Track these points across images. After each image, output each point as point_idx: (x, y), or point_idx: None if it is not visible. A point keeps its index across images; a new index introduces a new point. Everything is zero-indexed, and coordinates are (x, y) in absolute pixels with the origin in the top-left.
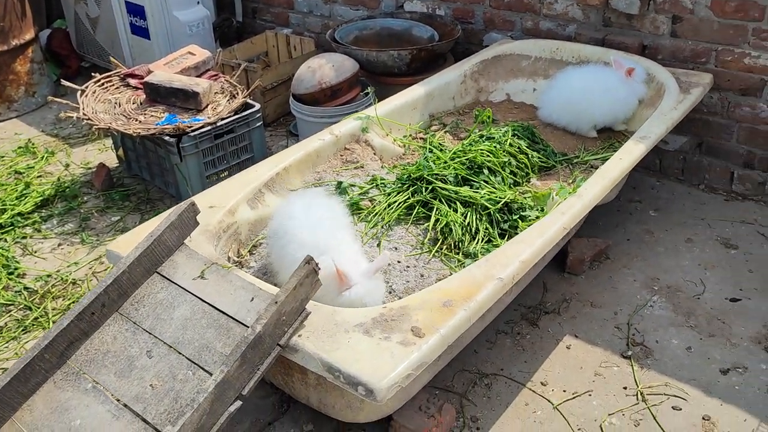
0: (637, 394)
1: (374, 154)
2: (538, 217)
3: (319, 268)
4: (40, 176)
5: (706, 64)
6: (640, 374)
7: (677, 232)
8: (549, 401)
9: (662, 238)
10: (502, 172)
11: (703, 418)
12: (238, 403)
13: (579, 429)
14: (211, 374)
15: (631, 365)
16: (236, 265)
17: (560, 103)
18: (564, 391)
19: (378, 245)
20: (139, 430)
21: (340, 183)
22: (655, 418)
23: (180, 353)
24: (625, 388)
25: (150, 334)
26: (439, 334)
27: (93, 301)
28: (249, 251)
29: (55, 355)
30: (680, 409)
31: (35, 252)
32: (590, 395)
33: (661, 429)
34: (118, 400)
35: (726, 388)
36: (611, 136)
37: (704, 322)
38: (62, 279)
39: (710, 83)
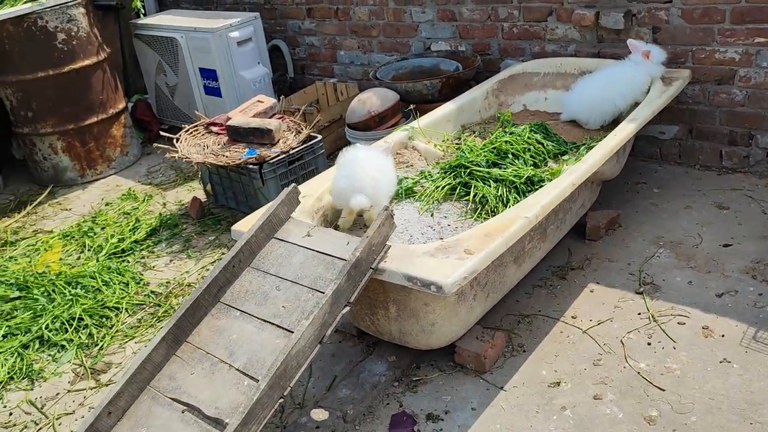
0: (649, 317)
1: (420, 156)
2: None
3: (394, 214)
4: (144, 214)
5: (685, 63)
6: (650, 303)
7: (678, 202)
8: (579, 328)
9: (665, 207)
10: (523, 155)
11: (703, 328)
12: (348, 308)
13: (604, 344)
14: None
15: (644, 298)
16: None
17: (585, 103)
18: (590, 320)
19: (431, 215)
20: (280, 335)
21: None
22: (664, 331)
23: (301, 284)
24: (639, 314)
25: (276, 276)
26: (484, 251)
27: (233, 258)
28: (334, 228)
29: (210, 296)
30: (684, 324)
31: (153, 267)
32: (611, 321)
33: (669, 337)
34: (261, 320)
35: (721, 306)
36: (611, 129)
37: (702, 263)
38: (179, 283)
39: (689, 77)
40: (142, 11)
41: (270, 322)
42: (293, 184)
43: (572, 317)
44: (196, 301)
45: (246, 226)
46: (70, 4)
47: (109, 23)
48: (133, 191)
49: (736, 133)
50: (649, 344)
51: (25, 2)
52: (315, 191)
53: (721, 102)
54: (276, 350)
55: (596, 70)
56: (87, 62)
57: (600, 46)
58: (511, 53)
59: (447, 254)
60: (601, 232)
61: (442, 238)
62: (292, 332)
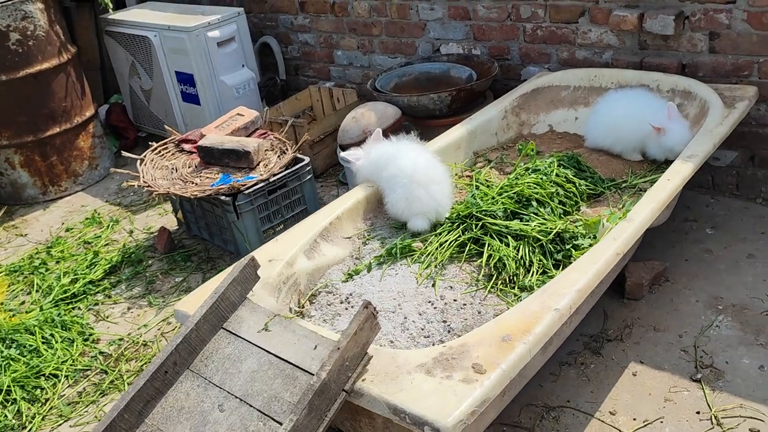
0: (711, 418)
1: None
2: (591, 245)
3: (377, 312)
4: (107, 244)
5: (749, 77)
6: (712, 397)
7: (737, 249)
8: (620, 431)
9: (722, 255)
10: (551, 202)
11: None
12: None
13: None
14: (281, 424)
15: (702, 388)
16: (298, 315)
17: (605, 128)
18: (634, 419)
19: (433, 285)
20: None
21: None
22: None
23: (250, 405)
24: (698, 412)
25: (220, 388)
26: (500, 369)
27: (165, 360)
28: (309, 300)
29: (134, 415)
30: (758, 431)
31: (107, 317)
32: (662, 422)
33: None
34: None
35: None
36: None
37: None
38: (133, 341)
39: (755, 95)
40: (110, 4)
41: None
42: (251, 255)
43: (610, 413)
44: (111, 424)
45: (191, 307)
46: None
47: (84, 17)
48: (99, 214)
49: None
50: None
51: None
52: (285, 253)
53: None
54: None
55: (627, 86)
56: (46, 65)
57: (642, 54)
58: (534, 59)
59: (449, 371)
60: (644, 289)
61: (445, 321)
62: None
